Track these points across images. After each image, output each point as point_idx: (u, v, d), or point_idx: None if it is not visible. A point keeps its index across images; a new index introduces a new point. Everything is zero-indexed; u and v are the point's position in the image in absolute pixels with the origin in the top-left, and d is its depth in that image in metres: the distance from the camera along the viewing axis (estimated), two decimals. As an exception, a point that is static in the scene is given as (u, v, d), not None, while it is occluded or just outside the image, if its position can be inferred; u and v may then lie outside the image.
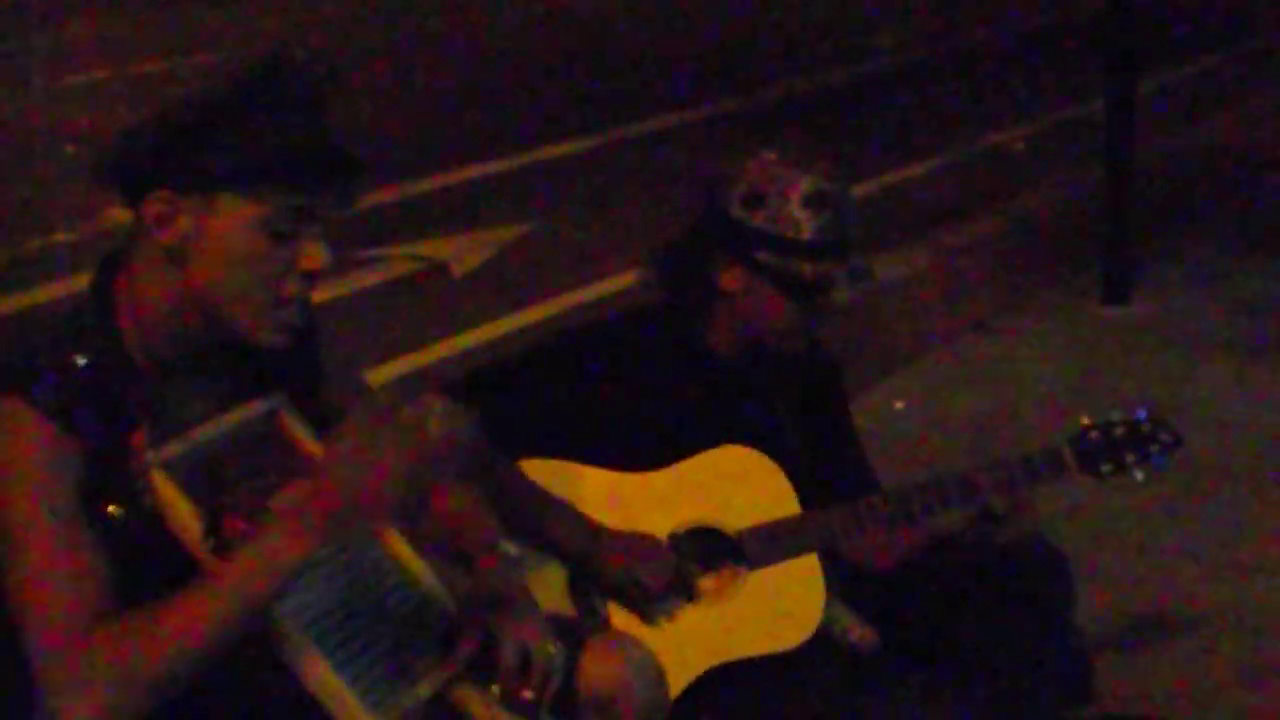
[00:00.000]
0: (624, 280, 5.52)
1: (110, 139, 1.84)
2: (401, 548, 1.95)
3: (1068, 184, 6.38)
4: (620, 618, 2.40)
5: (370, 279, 5.70)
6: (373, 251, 5.91)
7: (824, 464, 2.61)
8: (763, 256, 2.45)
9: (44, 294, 5.43)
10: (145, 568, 1.75)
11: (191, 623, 1.70)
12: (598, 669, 2.04)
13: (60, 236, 6.13)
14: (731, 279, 2.47)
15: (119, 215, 1.85)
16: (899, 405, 4.14)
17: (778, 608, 2.43)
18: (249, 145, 1.77)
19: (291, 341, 1.86)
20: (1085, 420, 2.55)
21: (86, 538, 1.74)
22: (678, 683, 2.27)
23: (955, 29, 10.81)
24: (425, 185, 7.09)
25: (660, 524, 2.44)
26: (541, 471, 2.43)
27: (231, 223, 1.78)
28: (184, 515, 1.74)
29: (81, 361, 1.77)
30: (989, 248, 5.78)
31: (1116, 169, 5.01)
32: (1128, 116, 4.97)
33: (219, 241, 1.79)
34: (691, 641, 2.40)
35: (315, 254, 1.81)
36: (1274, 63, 9.21)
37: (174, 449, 1.76)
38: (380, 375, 4.66)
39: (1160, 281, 5.16)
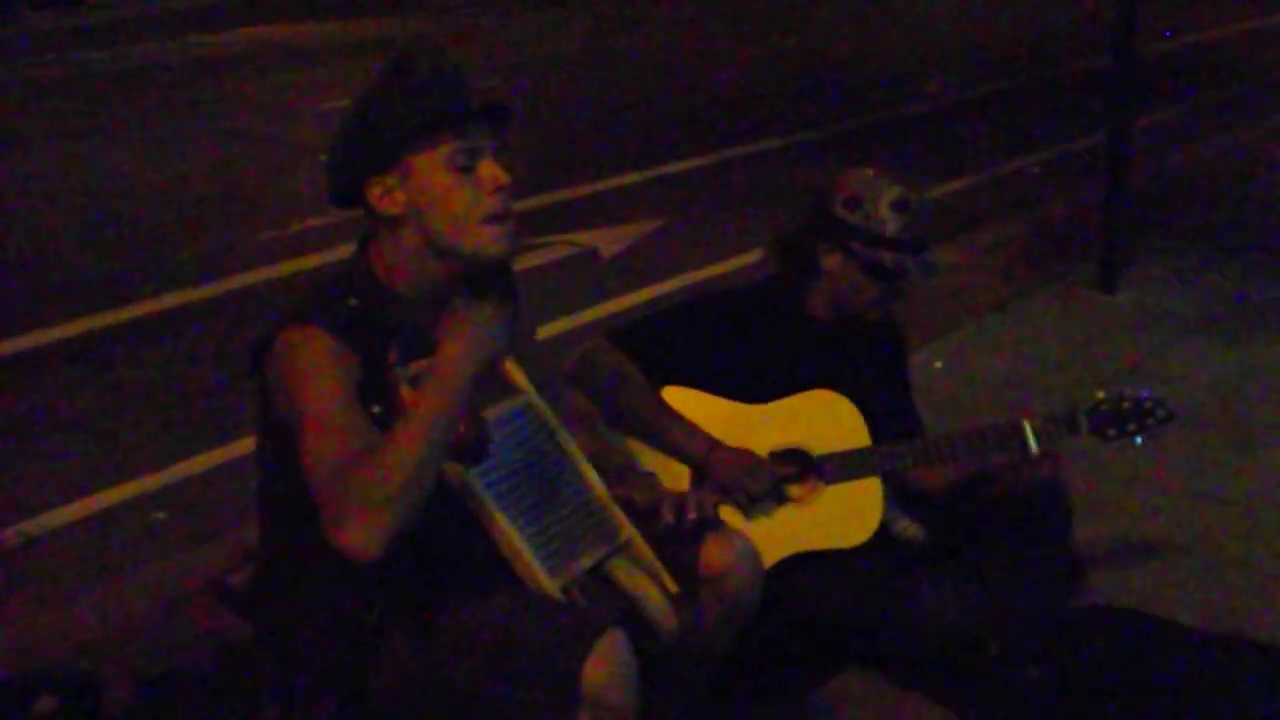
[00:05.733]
0: (729, 265, 5.56)
1: (322, 178, 1.84)
2: (577, 454, 1.95)
3: (1072, 199, 6.23)
4: (727, 512, 2.40)
5: (540, 259, 5.72)
6: (542, 239, 5.94)
7: (886, 408, 2.57)
8: (856, 246, 2.43)
9: (305, 264, 5.58)
10: None
11: (410, 439, 1.65)
12: (713, 554, 2.03)
13: (313, 222, 6.25)
14: (831, 261, 2.46)
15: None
16: (938, 365, 4.10)
17: (846, 514, 2.42)
18: (412, 111, 1.75)
19: (512, 253, 1.81)
20: (1100, 394, 2.44)
21: (364, 417, 1.73)
22: (766, 563, 2.25)
23: (987, 78, 10.58)
24: (582, 190, 7.09)
25: (763, 444, 2.44)
26: (678, 397, 2.45)
27: (426, 173, 1.78)
28: None
29: (354, 302, 1.81)
30: (1010, 246, 5.67)
31: (1113, 187, 4.90)
32: (1124, 146, 4.85)
33: (425, 192, 1.78)
34: (779, 534, 2.41)
35: (495, 173, 1.79)
36: (1238, 107, 8.90)
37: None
38: (547, 331, 4.74)
39: (1142, 276, 5.03)
